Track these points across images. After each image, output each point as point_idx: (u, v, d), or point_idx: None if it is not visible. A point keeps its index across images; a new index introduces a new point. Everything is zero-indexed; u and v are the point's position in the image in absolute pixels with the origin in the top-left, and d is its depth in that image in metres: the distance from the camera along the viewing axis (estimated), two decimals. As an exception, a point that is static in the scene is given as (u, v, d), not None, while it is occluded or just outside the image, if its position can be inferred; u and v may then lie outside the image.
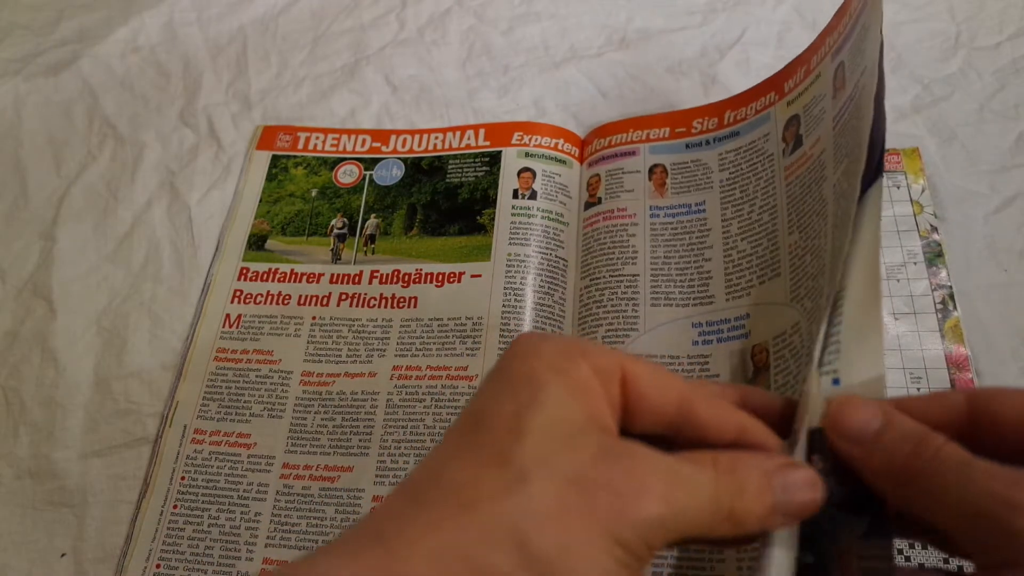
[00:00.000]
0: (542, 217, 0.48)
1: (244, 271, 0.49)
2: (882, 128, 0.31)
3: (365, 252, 0.49)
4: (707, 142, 0.48)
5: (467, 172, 0.51)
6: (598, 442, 0.22)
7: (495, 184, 0.49)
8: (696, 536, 0.22)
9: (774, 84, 0.46)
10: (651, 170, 0.48)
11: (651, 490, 0.21)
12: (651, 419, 0.24)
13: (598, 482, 0.20)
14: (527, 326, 0.44)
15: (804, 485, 0.23)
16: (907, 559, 0.36)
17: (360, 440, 0.42)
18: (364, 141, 0.54)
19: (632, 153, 0.49)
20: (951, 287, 0.43)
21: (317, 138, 0.54)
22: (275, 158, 0.53)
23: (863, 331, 0.27)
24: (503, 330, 0.44)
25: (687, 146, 0.49)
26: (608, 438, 0.22)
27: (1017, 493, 0.20)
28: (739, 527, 0.22)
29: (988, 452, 0.22)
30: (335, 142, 0.54)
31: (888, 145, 0.49)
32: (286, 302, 0.47)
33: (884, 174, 0.47)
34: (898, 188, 0.47)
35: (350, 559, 0.19)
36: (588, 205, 0.48)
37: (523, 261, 0.46)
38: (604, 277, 0.45)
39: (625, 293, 0.44)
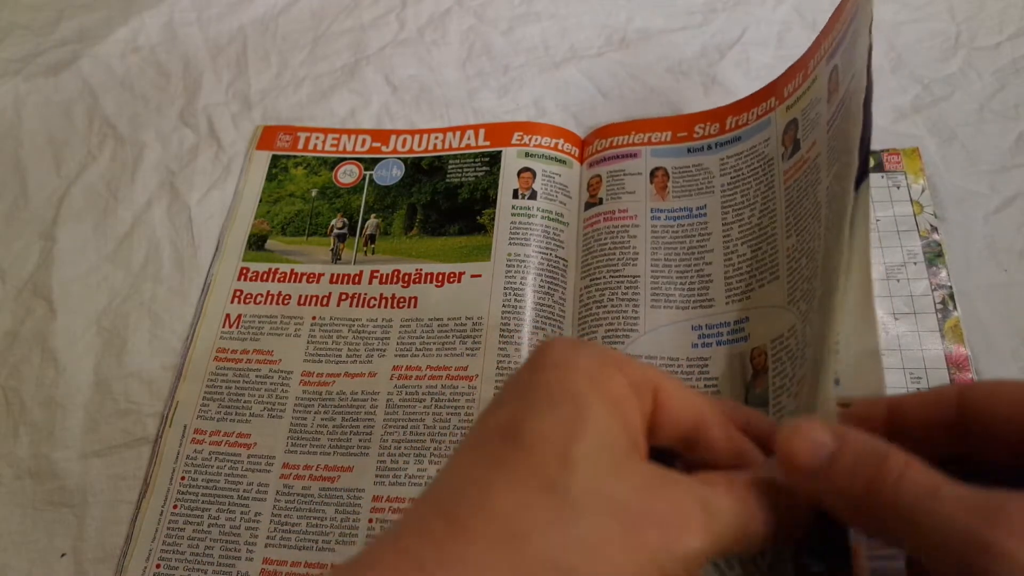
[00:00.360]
0: (542, 217, 0.48)
1: (244, 271, 0.49)
2: (869, 130, 0.31)
3: (365, 252, 0.49)
4: (709, 147, 0.48)
5: (467, 172, 0.51)
6: (642, 471, 0.21)
7: (495, 184, 0.49)
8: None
9: (774, 89, 0.46)
10: (652, 173, 0.48)
11: (694, 521, 0.21)
12: (669, 434, 0.24)
13: (645, 514, 0.20)
14: (527, 326, 0.44)
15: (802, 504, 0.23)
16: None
17: (360, 440, 0.42)
18: (364, 141, 0.54)
19: (634, 155, 0.49)
20: (951, 287, 0.43)
21: (317, 138, 0.54)
22: (275, 158, 0.53)
23: (860, 331, 0.27)
24: (503, 330, 0.44)
25: (689, 150, 0.49)
26: (650, 466, 0.22)
27: (989, 530, 0.18)
28: (749, 548, 0.23)
29: (981, 449, 0.21)
30: (335, 142, 0.54)
31: (888, 145, 0.49)
32: (286, 302, 0.47)
33: (872, 175, 0.47)
34: (898, 188, 0.47)
35: None
36: (589, 205, 0.48)
37: (523, 261, 0.46)
38: (604, 278, 0.45)
39: (625, 294, 0.44)
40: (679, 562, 0.20)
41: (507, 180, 0.49)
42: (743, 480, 0.23)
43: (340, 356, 0.45)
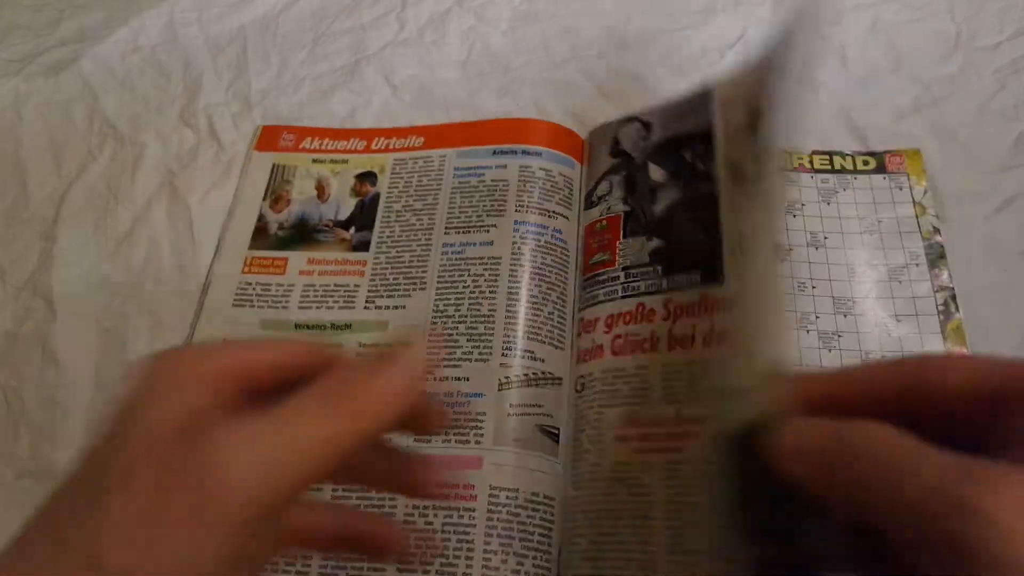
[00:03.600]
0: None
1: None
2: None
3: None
4: None
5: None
6: (174, 438, 0.21)
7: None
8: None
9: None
10: None
11: (228, 471, 0.20)
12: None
13: (170, 486, 0.20)
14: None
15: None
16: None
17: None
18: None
19: None
20: (953, 289, 0.43)
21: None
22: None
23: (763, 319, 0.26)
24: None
25: None
26: (184, 434, 0.21)
27: (977, 495, 0.17)
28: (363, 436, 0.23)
29: (929, 433, 0.19)
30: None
31: (889, 146, 0.49)
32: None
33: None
34: (900, 190, 0.47)
35: None
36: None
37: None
38: None
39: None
40: (247, 506, 0.20)
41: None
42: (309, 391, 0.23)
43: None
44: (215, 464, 0.20)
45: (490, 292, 0.45)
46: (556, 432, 0.41)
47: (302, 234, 0.50)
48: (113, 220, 0.51)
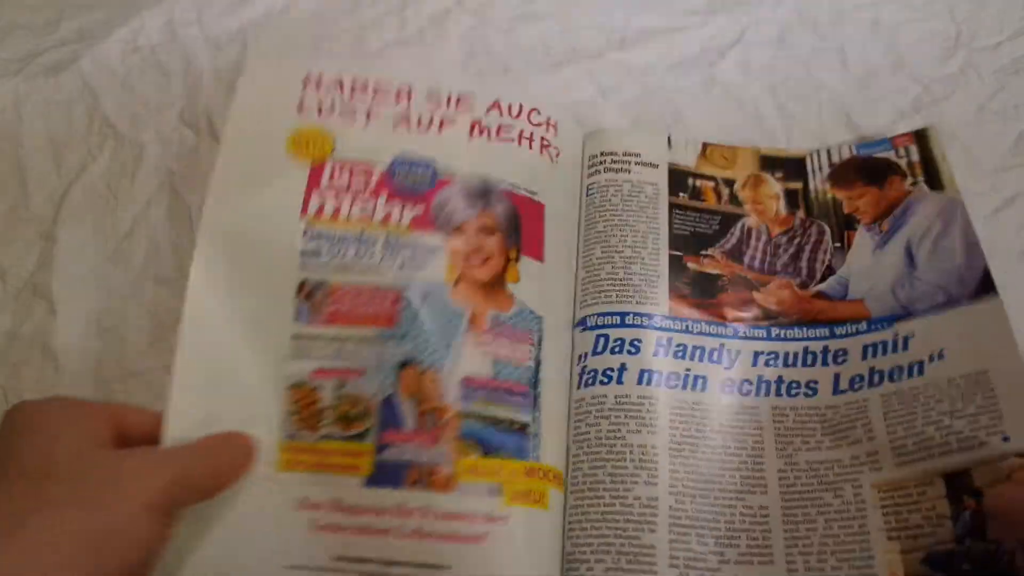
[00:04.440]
0: None
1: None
2: None
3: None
4: None
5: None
6: (93, 459, 0.30)
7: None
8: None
9: None
10: None
11: (139, 480, 0.30)
12: (134, 431, 0.34)
13: (91, 484, 0.29)
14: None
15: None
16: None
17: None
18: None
19: None
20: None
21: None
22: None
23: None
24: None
25: None
26: (104, 452, 0.31)
27: None
28: (203, 491, 0.33)
29: None
30: None
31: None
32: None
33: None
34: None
35: None
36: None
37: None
38: None
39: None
40: (162, 492, 0.30)
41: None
42: (201, 441, 0.35)
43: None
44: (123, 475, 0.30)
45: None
46: None
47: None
48: (113, 220, 0.51)
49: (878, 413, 0.39)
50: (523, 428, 0.39)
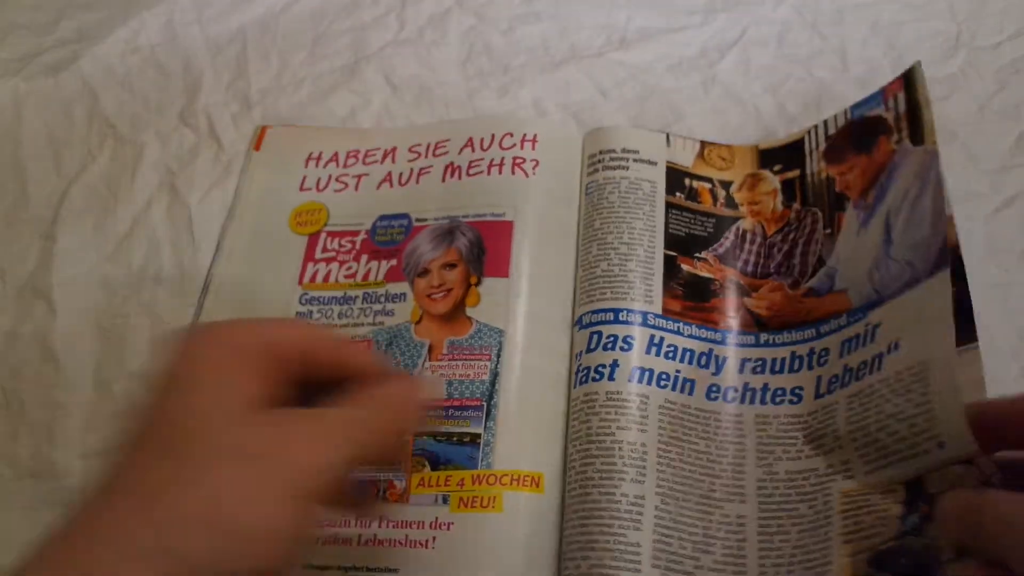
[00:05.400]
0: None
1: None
2: None
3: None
4: None
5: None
6: (263, 418, 0.25)
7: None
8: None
9: None
10: None
11: (320, 442, 0.25)
12: (321, 370, 0.28)
13: (268, 451, 0.24)
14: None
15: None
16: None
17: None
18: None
19: None
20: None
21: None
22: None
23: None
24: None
25: None
26: (275, 411, 0.25)
27: None
28: (386, 447, 0.31)
29: None
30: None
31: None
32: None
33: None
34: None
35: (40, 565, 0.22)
36: None
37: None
38: None
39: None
40: (317, 477, 0.24)
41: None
42: (372, 393, 0.28)
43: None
44: (284, 451, 0.24)
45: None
46: None
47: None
48: (113, 220, 0.51)
49: (843, 417, 0.37)
50: (474, 439, 0.40)
